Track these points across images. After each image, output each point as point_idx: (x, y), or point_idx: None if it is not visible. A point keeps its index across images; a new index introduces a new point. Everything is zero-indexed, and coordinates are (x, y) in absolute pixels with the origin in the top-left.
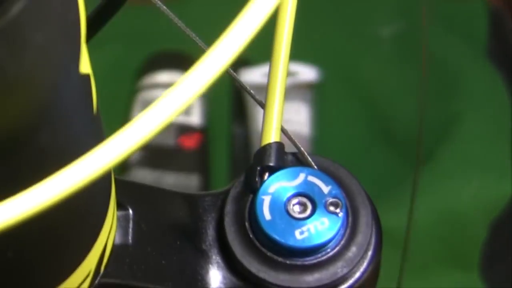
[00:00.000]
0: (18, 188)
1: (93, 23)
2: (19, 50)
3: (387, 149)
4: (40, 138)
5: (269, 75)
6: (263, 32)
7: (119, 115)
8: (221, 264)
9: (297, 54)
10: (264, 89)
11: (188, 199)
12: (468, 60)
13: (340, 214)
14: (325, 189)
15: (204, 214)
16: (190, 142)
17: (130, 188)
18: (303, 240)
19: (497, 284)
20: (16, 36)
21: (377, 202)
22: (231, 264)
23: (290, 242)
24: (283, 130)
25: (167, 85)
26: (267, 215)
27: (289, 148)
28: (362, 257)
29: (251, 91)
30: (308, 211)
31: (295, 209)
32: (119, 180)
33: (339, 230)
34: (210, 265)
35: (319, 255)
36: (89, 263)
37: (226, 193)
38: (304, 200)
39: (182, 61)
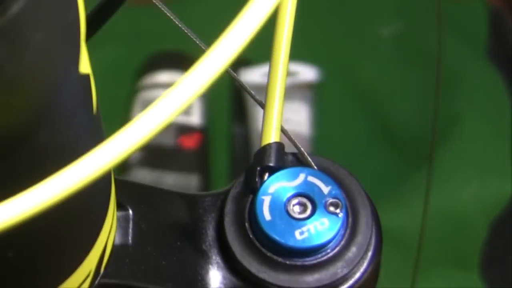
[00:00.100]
0: (18, 187)
1: (92, 22)
2: (19, 49)
3: (387, 149)
4: (40, 137)
5: (269, 75)
6: (263, 32)
7: (119, 115)
8: (221, 264)
9: (297, 54)
10: (264, 89)
11: (188, 200)
12: (468, 60)
13: (340, 215)
14: (325, 189)
15: (204, 214)
16: (190, 142)
17: (130, 188)
18: (303, 240)
19: (497, 284)
20: (16, 35)
21: (377, 202)
22: (231, 264)
23: (290, 243)
24: (283, 130)
25: (167, 85)
26: (267, 215)
27: (289, 148)
28: (362, 258)
29: (251, 91)
30: (308, 212)
31: (295, 210)
32: (119, 180)
33: (339, 230)
34: (210, 265)
35: (319, 255)
36: (89, 264)
37: (226, 193)
38: (304, 200)
39: (182, 61)
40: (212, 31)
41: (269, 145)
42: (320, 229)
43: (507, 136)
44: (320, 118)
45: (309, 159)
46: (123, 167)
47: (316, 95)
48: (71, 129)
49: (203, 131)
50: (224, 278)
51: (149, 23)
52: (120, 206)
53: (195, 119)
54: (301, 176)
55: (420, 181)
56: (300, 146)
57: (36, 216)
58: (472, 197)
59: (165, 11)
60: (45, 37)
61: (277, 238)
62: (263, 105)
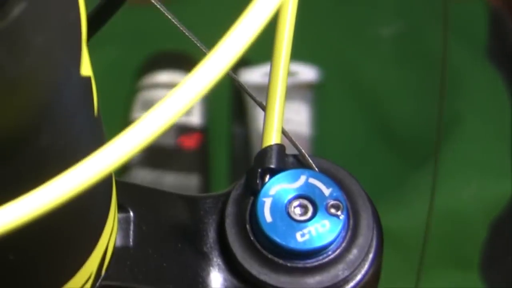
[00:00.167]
0: (19, 190)
1: (92, 23)
2: (20, 51)
3: (387, 149)
4: (41, 139)
5: (270, 76)
6: (263, 32)
7: (119, 115)
8: (222, 266)
9: (297, 54)
10: (265, 89)
11: (189, 201)
12: (468, 60)
13: (341, 217)
14: (326, 191)
15: (205, 216)
16: (190, 142)
17: (131, 190)
18: (304, 242)
19: (497, 284)
20: (17, 38)
21: (376, 203)
22: (232, 266)
23: (291, 245)
24: (284, 132)
25: (167, 85)
26: (268, 217)
27: (289, 149)
28: (363, 260)
29: (251, 93)
30: (309, 214)
31: (296, 212)
32: (119, 182)
33: (340, 232)
34: (211, 267)
35: (320, 257)
36: (91, 266)
37: (227, 195)
38: (305, 202)
39: (182, 61)
40: (212, 31)
41: (270, 147)
42: (321, 231)
43: (507, 136)
44: (320, 118)
45: (310, 160)
46: (123, 167)
47: (316, 95)
48: (73, 131)
49: (203, 131)
50: (225, 280)
51: (149, 23)
52: (121, 208)
53: (195, 119)
54: (302, 178)
55: (420, 181)
56: (301, 147)
57: (37, 219)
58: (472, 197)
59: (166, 13)
60: (46, 39)
61: (278, 240)
62: (263, 107)
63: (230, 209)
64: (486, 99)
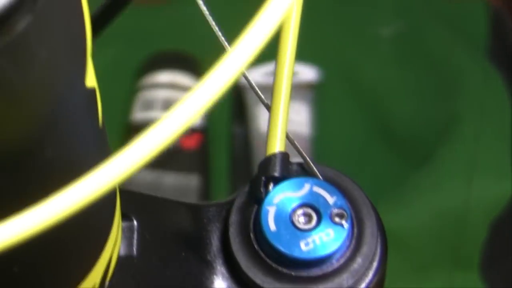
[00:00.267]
0: (24, 203)
1: (95, 24)
2: (25, 65)
3: (387, 149)
4: (46, 151)
5: (274, 84)
6: None
7: (119, 115)
8: (226, 275)
9: (297, 54)
10: (265, 89)
11: (193, 209)
12: (468, 60)
13: (346, 225)
14: (330, 199)
15: (208, 224)
16: (190, 142)
17: (134, 199)
18: (308, 251)
19: (497, 284)
20: (22, 51)
21: (376, 203)
22: (236, 275)
23: (295, 254)
24: (289, 139)
25: (167, 85)
26: (272, 226)
27: (291, 151)
28: (368, 268)
29: (251, 93)
30: (313, 222)
31: (300, 220)
32: (123, 191)
33: (344, 241)
34: (215, 276)
35: (324, 266)
36: (95, 276)
37: (231, 203)
38: (309, 211)
39: (182, 61)
40: (212, 31)
41: (274, 154)
42: (325, 240)
43: (507, 136)
44: (320, 118)
45: (314, 168)
46: None
47: (316, 95)
48: (78, 142)
49: (203, 131)
50: None
51: (149, 23)
52: (124, 217)
53: None
54: (306, 186)
55: (420, 181)
56: (305, 155)
57: (42, 232)
58: (472, 197)
59: (205, 14)
60: (51, 52)
61: (282, 249)
62: (269, 107)
63: (234, 218)
64: (486, 99)
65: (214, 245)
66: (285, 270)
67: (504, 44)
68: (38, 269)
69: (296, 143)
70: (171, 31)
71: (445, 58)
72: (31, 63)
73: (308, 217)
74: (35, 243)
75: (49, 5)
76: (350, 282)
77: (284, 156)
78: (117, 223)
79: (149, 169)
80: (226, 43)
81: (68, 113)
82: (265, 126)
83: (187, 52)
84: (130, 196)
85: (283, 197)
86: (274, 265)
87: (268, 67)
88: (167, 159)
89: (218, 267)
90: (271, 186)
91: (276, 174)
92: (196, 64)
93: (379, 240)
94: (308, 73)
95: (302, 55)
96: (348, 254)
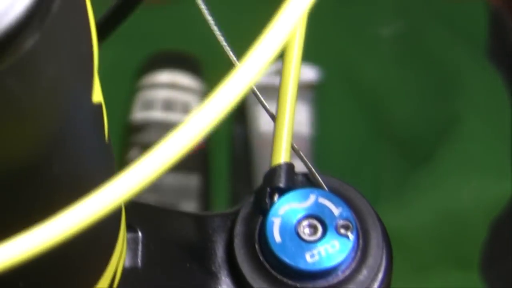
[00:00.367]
0: (31, 219)
1: (101, 30)
2: (32, 82)
3: (387, 149)
4: (53, 167)
5: (279, 93)
6: (262, 31)
7: (119, 115)
8: (231, 286)
9: None
10: (266, 88)
11: (197, 220)
12: (468, 60)
13: (351, 237)
14: (336, 211)
15: (213, 235)
16: None
17: (139, 210)
18: (313, 263)
19: (497, 284)
20: (30, 69)
21: (376, 203)
22: (241, 286)
23: (301, 265)
24: (294, 150)
25: (167, 85)
26: (277, 237)
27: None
28: (373, 280)
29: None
30: (319, 234)
31: (305, 232)
32: (128, 202)
33: (349, 253)
34: (219, 287)
35: (330, 278)
36: None
37: (236, 213)
38: (315, 222)
39: (182, 61)
40: (212, 31)
41: (279, 165)
42: (330, 251)
43: (507, 136)
44: (320, 118)
45: (320, 179)
46: (123, 166)
47: (316, 95)
48: (84, 158)
49: None
50: None
51: (149, 23)
52: (129, 228)
53: None
54: (312, 198)
55: (420, 181)
56: (311, 165)
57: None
58: (472, 197)
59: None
60: (58, 70)
61: (287, 260)
62: (274, 117)
63: (239, 228)
64: (486, 99)
65: (219, 256)
66: (290, 282)
67: (504, 44)
68: (43, 284)
69: (301, 153)
70: (171, 31)
71: (445, 58)
72: (38, 81)
73: (314, 229)
74: (41, 259)
75: (56, 23)
76: None
77: (289, 166)
78: (123, 235)
79: None
80: (225, 43)
81: (75, 129)
82: (265, 126)
83: (187, 52)
84: (134, 207)
85: (288, 208)
86: (279, 276)
87: (270, 67)
88: None
89: (223, 278)
90: (276, 197)
91: (281, 185)
92: (196, 64)
93: (384, 251)
94: (308, 73)
95: (302, 55)
96: (353, 265)
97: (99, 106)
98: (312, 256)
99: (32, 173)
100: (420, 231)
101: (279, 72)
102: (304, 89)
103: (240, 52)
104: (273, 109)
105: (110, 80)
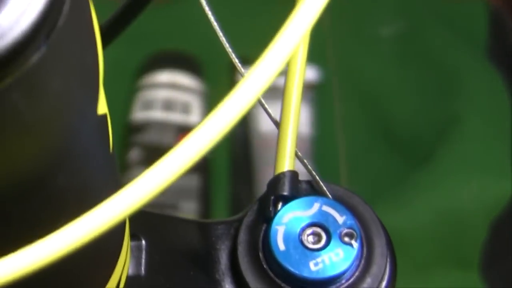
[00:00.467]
0: (36, 232)
1: (109, 30)
2: (38, 95)
3: (387, 149)
4: (58, 180)
5: (283, 100)
6: (262, 31)
7: (119, 115)
8: None
9: None
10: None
11: (201, 227)
12: (468, 60)
13: (355, 245)
14: (340, 219)
15: (217, 242)
16: None
17: (142, 218)
18: (317, 271)
19: (497, 284)
20: (36, 82)
21: (376, 203)
22: None
23: (305, 274)
24: (298, 157)
25: (167, 85)
26: (281, 245)
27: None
28: None
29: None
30: (323, 242)
31: (309, 240)
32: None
33: (353, 261)
34: None
35: (334, 286)
36: None
37: (239, 221)
38: (319, 230)
39: (182, 61)
40: (212, 32)
41: (283, 173)
42: (334, 260)
43: (507, 136)
44: (320, 118)
45: (324, 187)
46: (123, 166)
47: (317, 95)
48: (89, 169)
49: None
50: None
51: (149, 23)
52: (133, 236)
53: (195, 118)
54: (316, 206)
55: (420, 181)
56: (315, 173)
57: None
58: (472, 197)
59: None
60: (64, 84)
61: (291, 269)
62: (278, 124)
63: (242, 236)
64: (486, 99)
65: (223, 263)
66: None
67: (504, 44)
68: None
69: (305, 161)
70: (171, 31)
71: (445, 58)
72: (44, 96)
73: (318, 237)
74: (45, 270)
75: (62, 37)
76: None
77: (293, 174)
78: (127, 244)
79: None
80: (226, 43)
81: (80, 142)
82: (265, 126)
83: (187, 52)
84: (138, 216)
85: (292, 216)
86: (283, 284)
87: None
88: None
89: (227, 286)
90: (280, 205)
91: (285, 193)
92: (196, 64)
93: (388, 259)
94: (308, 73)
95: None
96: (357, 274)
97: (104, 117)
98: (316, 264)
99: (37, 186)
100: (420, 231)
101: (282, 73)
102: (304, 89)
103: (240, 52)
104: (274, 110)
105: (110, 80)
